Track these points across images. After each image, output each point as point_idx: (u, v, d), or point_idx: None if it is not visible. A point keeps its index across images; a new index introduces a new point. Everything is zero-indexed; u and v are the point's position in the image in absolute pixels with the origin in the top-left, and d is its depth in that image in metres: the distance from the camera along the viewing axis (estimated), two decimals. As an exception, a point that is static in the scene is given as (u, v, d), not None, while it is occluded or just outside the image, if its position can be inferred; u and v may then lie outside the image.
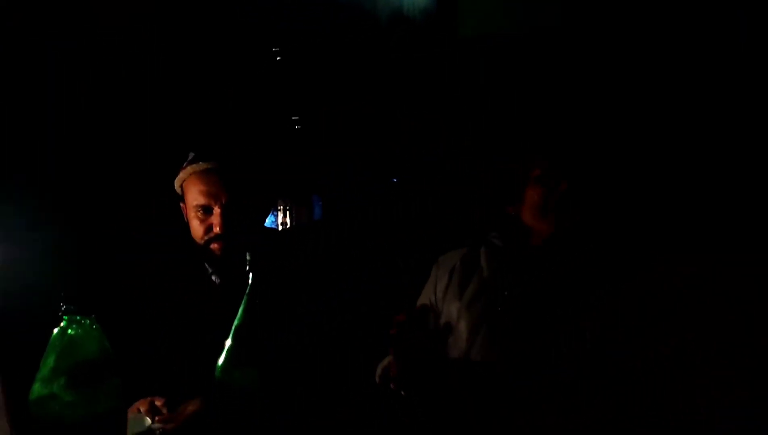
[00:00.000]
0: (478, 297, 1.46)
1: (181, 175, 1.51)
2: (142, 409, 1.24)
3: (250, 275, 1.20)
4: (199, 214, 1.47)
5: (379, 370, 1.48)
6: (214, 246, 1.47)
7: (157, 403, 1.25)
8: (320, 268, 1.62)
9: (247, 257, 1.25)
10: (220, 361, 1.14)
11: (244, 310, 1.18)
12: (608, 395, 1.29)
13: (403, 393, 1.35)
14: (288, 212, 4.77)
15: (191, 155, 1.51)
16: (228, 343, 1.16)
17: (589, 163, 1.53)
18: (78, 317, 0.98)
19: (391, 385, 1.37)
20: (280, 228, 4.68)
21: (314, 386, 1.36)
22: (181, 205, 1.55)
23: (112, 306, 1.37)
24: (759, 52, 1.90)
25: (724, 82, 1.98)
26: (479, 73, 2.50)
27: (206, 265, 1.52)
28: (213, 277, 1.51)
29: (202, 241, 1.48)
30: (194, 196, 1.47)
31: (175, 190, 1.57)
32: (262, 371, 1.16)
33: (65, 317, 0.97)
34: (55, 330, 0.97)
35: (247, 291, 1.22)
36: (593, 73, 2.22)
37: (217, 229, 1.45)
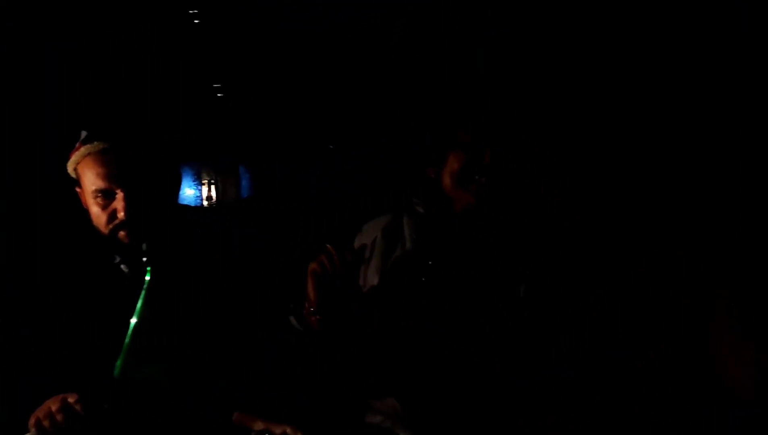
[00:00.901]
0: (401, 269, 1.43)
1: (74, 157, 1.35)
2: (53, 408, 1.13)
3: (148, 268, 1.15)
4: (99, 199, 1.31)
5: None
6: (121, 234, 1.32)
7: (70, 399, 1.12)
8: (237, 252, 1.49)
9: (143, 248, 1.21)
10: (119, 360, 1.10)
11: (142, 306, 1.14)
12: (608, 395, 1.28)
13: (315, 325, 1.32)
14: (213, 186, 4.50)
15: (83, 134, 1.35)
16: (126, 341, 1.11)
17: (587, 156, 1.51)
18: None
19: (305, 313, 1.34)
20: (205, 203, 4.42)
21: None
22: (77, 190, 1.39)
23: (11, 303, 1.31)
24: (756, 43, 1.90)
25: (724, 71, 1.98)
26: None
27: (113, 253, 1.36)
28: (122, 266, 1.36)
29: (107, 230, 1.33)
30: (92, 180, 1.31)
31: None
32: (161, 370, 1.12)
33: None
34: None
35: (145, 286, 1.17)
36: (593, 63, 2.22)
37: (122, 214, 1.29)
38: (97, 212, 1.33)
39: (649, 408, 1.31)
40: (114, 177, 1.30)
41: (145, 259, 1.20)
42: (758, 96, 1.91)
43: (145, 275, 1.19)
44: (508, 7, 2.55)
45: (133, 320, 1.13)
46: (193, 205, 4.23)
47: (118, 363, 1.11)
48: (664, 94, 2.10)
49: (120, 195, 1.30)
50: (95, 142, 1.31)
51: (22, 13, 2.01)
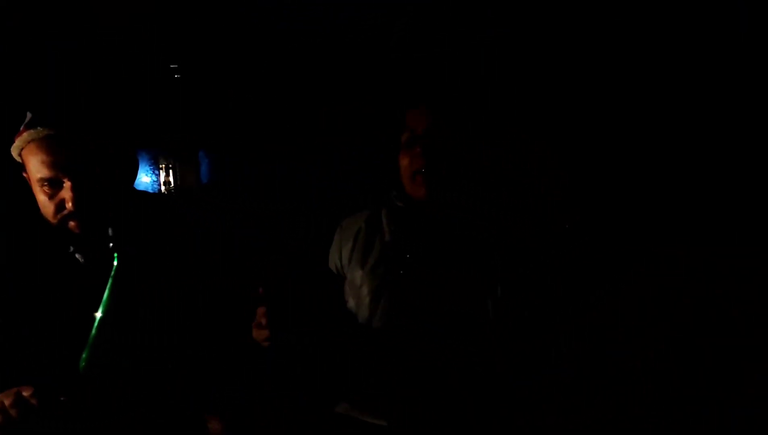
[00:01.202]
0: (380, 261, 1.44)
1: (18, 142, 1.24)
2: (6, 402, 1.07)
3: (115, 255, 1.09)
4: (45, 188, 1.22)
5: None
6: (70, 224, 1.23)
7: (25, 393, 1.07)
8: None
9: (110, 233, 1.15)
10: (84, 353, 1.07)
11: (108, 297, 1.10)
12: (608, 395, 1.29)
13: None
14: (171, 171, 4.30)
15: (29, 116, 1.25)
16: (92, 333, 1.08)
17: (587, 156, 1.51)
18: None
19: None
20: (163, 189, 4.26)
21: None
22: (24, 175, 1.30)
23: None
24: (756, 43, 1.90)
25: (724, 71, 1.98)
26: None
27: (66, 242, 1.28)
28: (76, 256, 1.28)
29: (55, 220, 1.24)
30: (37, 168, 1.21)
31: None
32: (129, 366, 1.09)
33: None
34: None
35: (112, 274, 1.11)
36: (593, 63, 2.22)
37: (70, 204, 1.20)
38: (44, 201, 1.24)
39: (649, 408, 1.31)
40: (60, 165, 1.20)
41: (111, 244, 1.14)
42: (758, 96, 1.91)
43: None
44: (508, 7, 2.55)
45: (99, 311, 1.09)
46: (150, 190, 4.14)
47: (84, 356, 1.08)
48: (664, 95, 2.10)
49: (67, 184, 1.21)
50: (39, 128, 1.21)
51: (22, 13, 2.01)
